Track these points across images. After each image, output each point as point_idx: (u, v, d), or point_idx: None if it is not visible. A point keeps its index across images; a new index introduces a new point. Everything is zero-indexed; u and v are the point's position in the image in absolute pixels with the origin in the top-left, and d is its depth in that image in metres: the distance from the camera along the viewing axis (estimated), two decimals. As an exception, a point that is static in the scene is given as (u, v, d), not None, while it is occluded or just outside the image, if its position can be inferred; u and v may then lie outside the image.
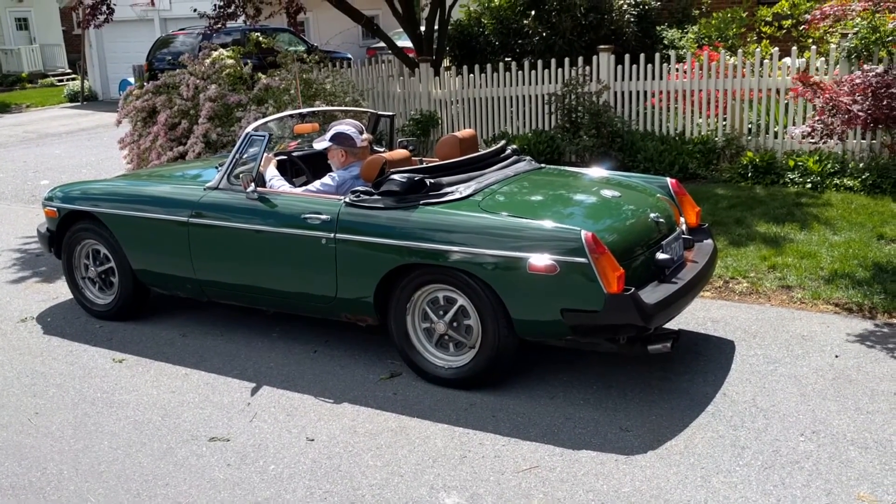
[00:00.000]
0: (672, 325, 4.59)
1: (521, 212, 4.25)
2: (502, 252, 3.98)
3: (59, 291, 6.11)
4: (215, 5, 9.92)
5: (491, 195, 4.39)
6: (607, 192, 4.62)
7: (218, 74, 8.53)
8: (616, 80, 9.28)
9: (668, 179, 5.01)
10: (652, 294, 4.03)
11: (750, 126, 8.76)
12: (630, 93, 9.27)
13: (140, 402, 4.33)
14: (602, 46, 9.48)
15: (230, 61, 8.62)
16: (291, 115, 6.07)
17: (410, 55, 11.71)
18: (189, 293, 5.26)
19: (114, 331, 5.34)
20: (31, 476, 3.66)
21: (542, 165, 5.25)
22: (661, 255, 4.23)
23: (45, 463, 3.76)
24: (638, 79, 9.18)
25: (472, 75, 10.14)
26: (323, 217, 4.46)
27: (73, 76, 25.85)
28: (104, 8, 9.77)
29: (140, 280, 5.36)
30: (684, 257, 4.55)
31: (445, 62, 12.03)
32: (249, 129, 4.96)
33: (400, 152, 4.84)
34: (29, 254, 7.32)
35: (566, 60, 9.50)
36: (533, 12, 11.56)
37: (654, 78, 9.10)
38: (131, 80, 16.98)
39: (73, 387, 4.56)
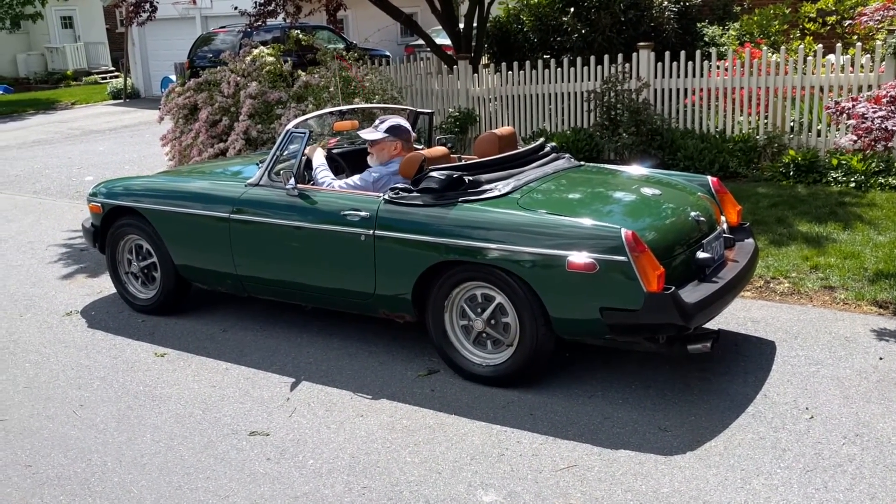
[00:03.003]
0: (712, 324, 4.54)
1: (559, 209, 4.24)
2: (541, 250, 3.98)
3: (103, 286, 6.23)
4: (256, 3, 10.02)
5: (529, 193, 4.39)
6: (647, 190, 4.59)
7: (258, 72, 8.62)
8: (656, 77, 9.19)
9: (709, 178, 4.96)
10: (692, 293, 3.99)
11: (792, 124, 8.63)
12: (670, 90, 9.18)
13: (181, 396, 4.40)
14: (642, 44, 9.40)
15: (270, 59, 8.71)
16: (331, 113, 6.12)
17: (449, 52, 11.72)
18: (229, 289, 5.32)
19: (156, 325, 5.43)
20: (77, 467, 3.74)
21: (582, 163, 5.22)
22: (701, 254, 4.19)
23: (89, 454, 3.84)
24: (678, 76, 9.09)
25: (510, 72, 10.12)
26: (362, 214, 4.49)
27: (117, 74, 26.28)
28: (147, 6, 9.92)
29: (181, 275, 5.43)
30: (725, 256, 4.50)
31: (484, 59, 12.02)
32: (290, 126, 5.01)
33: (439, 149, 4.85)
34: (74, 248, 7.46)
35: (605, 58, 9.44)
36: (572, 9, 11.49)
37: (694, 75, 9.01)
38: (173, 77, 17.25)
39: (116, 380, 4.64)
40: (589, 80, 9.49)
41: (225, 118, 8.51)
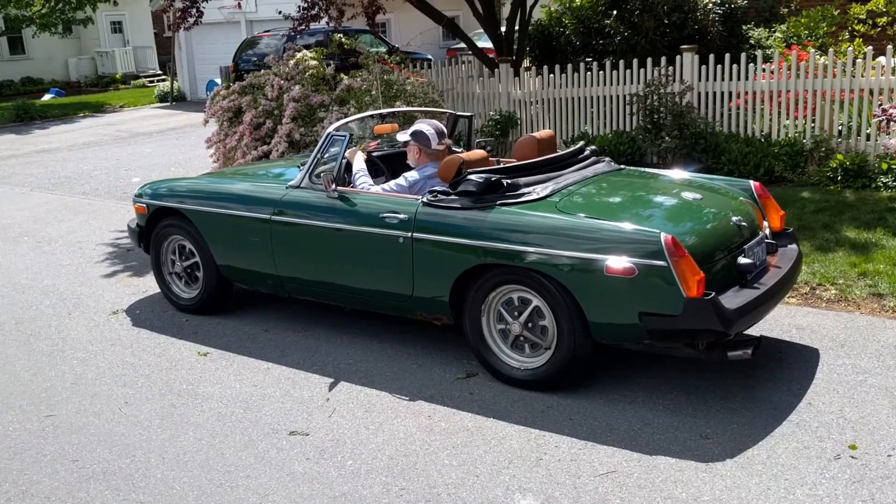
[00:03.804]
0: (753, 330, 4.47)
1: (598, 213, 4.20)
2: (579, 254, 3.95)
3: (148, 285, 6.34)
4: (299, 7, 10.13)
5: (568, 196, 4.37)
6: (688, 195, 4.54)
7: (301, 75, 8.71)
8: (700, 80, 9.08)
9: (752, 182, 4.90)
10: (733, 299, 3.93)
11: (840, 128, 8.46)
12: (714, 93, 9.06)
13: (223, 395, 4.46)
14: (685, 46, 9.30)
15: (313, 62, 8.79)
16: (372, 116, 6.17)
17: (490, 55, 11.72)
18: (270, 289, 5.38)
19: (199, 325, 5.51)
20: (121, 463, 3.81)
21: (622, 167, 5.19)
22: (742, 260, 4.13)
23: (133, 451, 3.92)
24: (722, 79, 8.97)
25: (552, 75, 10.08)
26: (401, 216, 4.52)
27: (164, 77, 26.79)
28: (193, 11, 10.09)
29: (223, 275, 5.50)
30: (767, 262, 4.43)
31: (525, 62, 11.99)
32: (331, 129, 5.05)
33: (477, 153, 4.86)
34: (120, 248, 7.62)
35: (648, 60, 9.36)
36: (615, 12, 11.42)
37: (739, 78, 8.88)
38: (218, 80, 17.49)
39: (160, 378, 4.72)
40: (631, 83, 9.42)
41: (268, 121, 8.61)
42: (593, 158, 4.99)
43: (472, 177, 4.38)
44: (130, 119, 19.38)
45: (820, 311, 5.19)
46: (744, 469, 3.48)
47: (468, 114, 5.99)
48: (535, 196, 4.31)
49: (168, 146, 14.37)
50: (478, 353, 4.47)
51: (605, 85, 9.66)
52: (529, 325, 4.25)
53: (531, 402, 4.17)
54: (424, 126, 5.01)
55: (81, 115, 20.61)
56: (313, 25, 10.50)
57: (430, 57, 16.58)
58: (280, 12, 11.01)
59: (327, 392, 4.42)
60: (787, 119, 8.66)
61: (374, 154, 5.71)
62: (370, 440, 3.89)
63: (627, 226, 3.98)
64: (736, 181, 5.02)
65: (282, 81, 8.65)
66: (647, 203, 4.59)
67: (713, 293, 3.80)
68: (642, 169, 5.55)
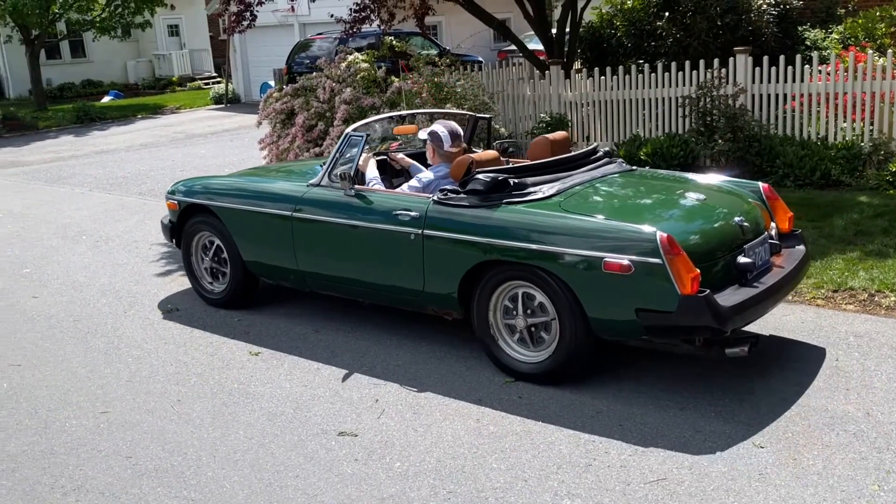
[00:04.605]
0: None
1: (600, 212, 4.32)
2: (579, 251, 4.06)
3: (202, 285, 6.45)
4: (351, 10, 10.21)
5: (573, 196, 4.48)
6: (692, 195, 4.61)
7: (353, 78, 8.77)
8: (753, 82, 8.91)
9: (761, 184, 4.94)
10: (729, 297, 4.00)
11: (901, 130, 8.22)
12: (768, 96, 8.88)
13: (274, 395, 4.51)
14: (738, 48, 9.13)
15: (364, 65, 8.86)
16: (391, 117, 6.42)
17: (541, 58, 11.67)
18: (292, 283, 5.55)
19: (251, 324, 5.59)
20: (173, 460, 3.88)
21: (634, 168, 5.26)
22: (742, 259, 4.19)
23: (185, 448, 3.98)
24: (777, 81, 8.79)
25: (603, 77, 10.00)
26: (412, 214, 4.67)
27: (219, 79, 27.26)
28: (247, 14, 10.24)
29: (249, 270, 5.69)
30: (772, 262, 4.48)
31: (576, 64, 11.91)
32: (349, 129, 5.23)
33: (489, 153, 5.00)
34: (174, 249, 7.74)
35: (701, 62, 9.21)
36: (667, 14, 11.27)
37: (794, 80, 8.69)
38: (272, 83, 17.76)
39: (212, 377, 4.80)
40: (683, 85, 9.28)
41: (320, 123, 8.70)
42: (606, 159, 5.08)
43: (480, 176, 4.51)
44: (186, 121, 19.76)
45: (879, 318, 5.05)
46: (798, 480, 3.41)
47: (487, 115, 6.12)
48: (540, 195, 4.42)
49: (222, 147, 14.61)
50: (485, 347, 4.60)
51: (656, 87, 9.54)
52: (534, 320, 4.35)
53: (581, 407, 4.14)
54: (440, 127, 5.14)
55: (139, 116, 21.11)
56: (365, 28, 10.58)
57: (481, 59, 16.59)
58: (332, 15, 11.12)
59: (377, 393, 4.44)
60: (845, 122, 8.45)
61: (392, 154, 5.83)
62: (418, 442, 3.90)
63: (625, 224, 4.08)
64: (746, 183, 5.05)
65: (333, 84, 8.73)
66: (648, 203, 4.67)
67: (708, 290, 3.87)
68: (654, 170, 5.62)
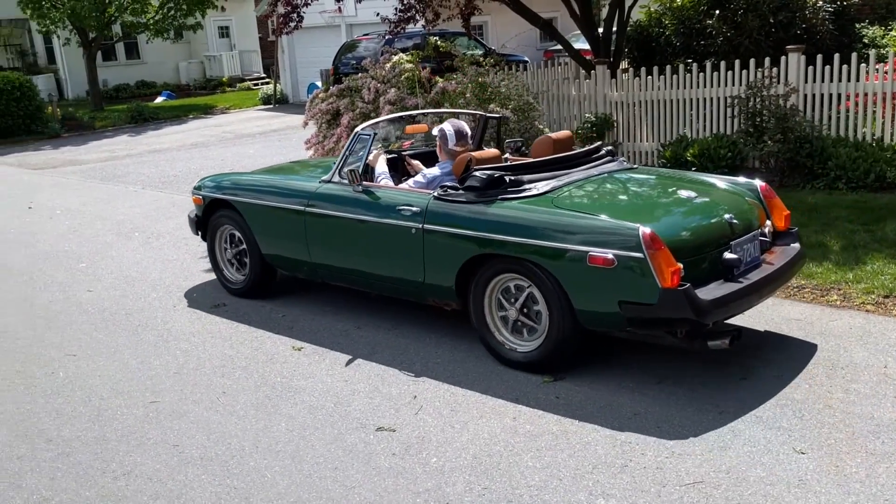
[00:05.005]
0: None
1: (588, 209, 4.48)
2: (566, 245, 4.24)
3: (248, 281, 6.58)
4: (396, 10, 10.29)
5: (566, 193, 4.65)
6: (683, 193, 4.73)
7: (397, 78, 8.84)
8: (806, 81, 8.75)
9: (758, 182, 5.04)
10: (712, 291, 4.14)
11: (960, 131, 8.00)
12: (821, 95, 8.71)
13: (315, 389, 4.59)
14: (791, 46, 8.97)
15: (409, 65, 8.91)
16: (401, 117, 6.70)
17: (587, 57, 11.61)
18: (305, 274, 5.83)
19: (294, 320, 5.69)
20: (218, 449, 3.98)
21: (634, 166, 5.45)
22: (728, 255, 4.31)
23: (229, 438, 4.08)
24: (831, 80, 8.61)
25: (650, 77, 9.91)
26: (414, 209, 4.89)
27: (267, 80, 27.65)
28: (295, 16, 10.39)
29: (267, 262, 5.97)
30: (762, 259, 4.60)
31: (623, 64, 11.82)
32: (358, 128, 5.49)
33: (490, 151, 5.21)
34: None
35: (751, 61, 9.07)
36: (717, 12, 11.13)
37: (849, 79, 8.50)
38: (318, 83, 17.95)
39: (256, 370, 4.90)
40: (733, 84, 9.15)
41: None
42: (607, 158, 5.24)
43: (477, 173, 4.70)
44: (235, 121, 20.10)
45: (930, 324, 4.93)
46: (840, 487, 3.35)
47: (498, 115, 6.35)
48: (534, 192, 4.60)
49: (270, 147, 14.83)
50: (481, 336, 4.79)
51: (705, 87, 9.42)
52: (525, 311, 4.55)
53: (618, 408, 4.13)
54: (446, 125, 5.36)
55: (190, 116, 21.54)
56: (411, 28, 10.66)
57: (526, 59, 16.55)
58: (378, 14, 11.21)
59: (415, 389, 4.49)
60: (901, 122, 8.25)
61: (406, 153, 6.03)
62: (455, 439, 3.93)
63: (611, 220, 4.23)
64: (744, 181, 5.11)
65: (378, 84, 8.80)
66: (638, 200, 4.85)
67: (688, 284, 3.99)
68: (655, 168, 5.73)
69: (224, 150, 14.85)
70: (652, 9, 12.22)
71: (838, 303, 5.32)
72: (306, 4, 10.31)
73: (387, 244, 5.07)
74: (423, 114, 6.85)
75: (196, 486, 3.67)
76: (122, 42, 27.46)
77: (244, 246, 6.10)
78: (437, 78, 9.04)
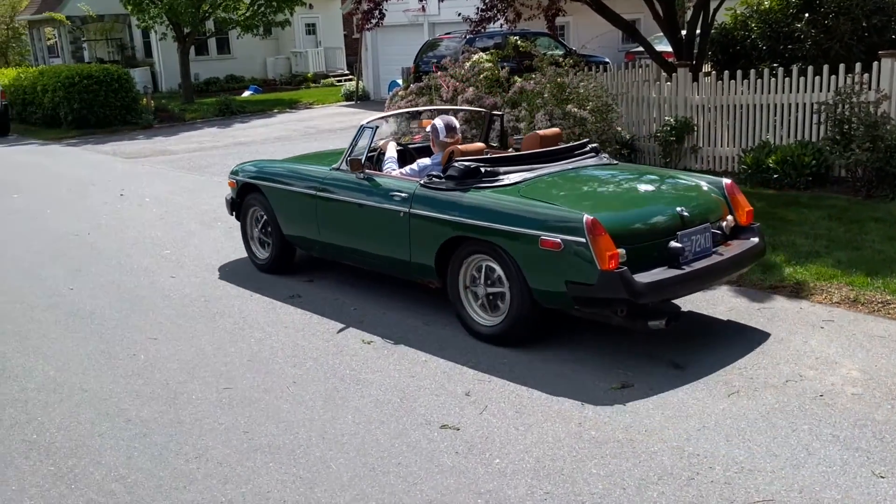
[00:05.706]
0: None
1: (548, 198, 4.91)
2: (523, 230, 4.71)
3: (317, 274, 6.72)
4: (478, 9, 10.31)
5: (535, 183, 5.11)
6: (641, 186, 5.36)
7: (476, 77, 8.87)
8: (900, 88, 8.39)
9: (724, 180, 5.39)
10: (650, 276, 4.52)
11: None
12: (916, 103, 8.34)
13: (382, 383, 4.65)
14: (884, 51, 8.62)
15: (488, 65, 8.93)
16: (407, 113, 7.33)
17: (669, 59, 11.41)
18: (318, 252, 6.46)
19: (365, 313, 5.78)
20: (285, 438, 4.08)
21: (615, 162, 5.90)
22: (673, 244, 4.68)
23: (297, 428, 4.17)
24: (927, 88, 8.24)
25: (732, 81, 9.66)
26: (403, 195, 5.45)
27: (350, 77, 28.06)
28: (376, 13, 10.54)
29: (287, 241, 6.58)
30: (714, 250, 4.92)
31: (705, 67, 11.56)
32: (364, 121, 6.04)
33: (475, 145, 5.82)
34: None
35: (840, 67, 8.74)
36: (806, 15, 10.77)
37: (947, 87, 8.13)
38: (399, 81, 18.12)
39: (326, 362, 5.00)
40: (820, 90, 8.84)
41: (443, 122, 8.84)
42: (589, 154, 5.68)
43: (457, 164, 5.22)
44: (318, 116, 20.47)
45: None
46: (917, 512, 3.23)
47: (499, 112, 6.96)
48: (506, 182, 5.10)
49: (349, 143, 15.00)
50: (456, 311, 5.29)
51: (790, 92, 9.13)
52: (492, 290, 5.03)
53: (686, 419, 4.06)
54: (438, 120, 5.88)
55: (275, 111, 22.03)
56: (491, 28, 10.67)
57: (607, 60, 16.35)
58: (459, 14, 11.26)
59: (480, 389, 4.51)
60: None
61: (413, 146, 6.58)
62: (519, 440, 3.93)
63: (562, 208, 4.70)
64: (713, 179, 5.47)
65: (456, 83, 8.85)
66: (596, 191, 5.30)
67: (624, 268, 4.42)
68: (634, 165, 6.31)
69: (306, 145, 15.13)
70: (738, 11, 11.90)
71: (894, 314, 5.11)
72: (386, 0, 10.43)
73: (381, 226, 5.62)
74: (428, 110, 7.24)
75: (263, 472, 3.77)
76: (214, 37, 28.27)
77: (269, 227, 6.70)
78: (516, 77, 9.03)
